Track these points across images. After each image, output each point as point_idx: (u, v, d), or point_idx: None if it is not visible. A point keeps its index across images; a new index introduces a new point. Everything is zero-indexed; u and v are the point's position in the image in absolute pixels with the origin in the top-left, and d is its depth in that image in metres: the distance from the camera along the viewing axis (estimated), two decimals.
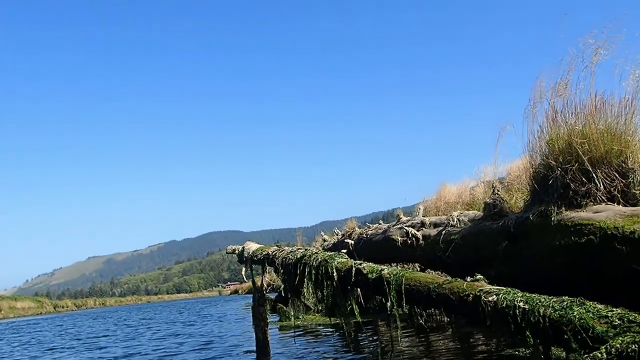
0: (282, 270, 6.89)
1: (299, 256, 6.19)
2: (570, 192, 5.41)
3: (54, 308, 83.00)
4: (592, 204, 5.24)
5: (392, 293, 4.38)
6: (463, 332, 7.18)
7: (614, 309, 2.87)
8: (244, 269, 8.42)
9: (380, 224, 10.35)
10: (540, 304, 2.97)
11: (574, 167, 5.46)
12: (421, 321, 7.74)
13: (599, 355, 2.49)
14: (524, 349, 4.29)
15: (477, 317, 3.33)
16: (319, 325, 11.01)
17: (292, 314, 12.49)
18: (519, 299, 3.11)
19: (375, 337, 8.34)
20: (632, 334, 2.51)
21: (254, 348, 7.01)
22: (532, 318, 2.93)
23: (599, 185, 5.28)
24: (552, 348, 2.94)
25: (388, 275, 4.56)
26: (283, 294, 13.36)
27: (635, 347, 2.42)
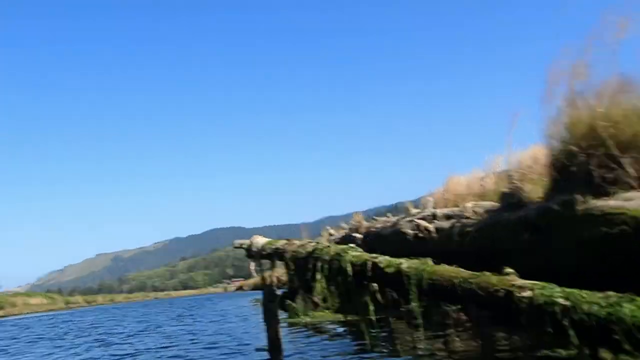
0: (292, 265, 6.61)
1: (310, 249, 5.90)
2: (596, 180, 5.11)
3: (65, 304, 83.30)
4: (621, 191, 4.93)
5: (412, 288, 4.09)
6: (484, 331, 6.89)
7: None
8: (252, 263, 8.15)
9: (388, 217, 10.08)
10: (583, 299, 2.68)
11: (599, 153, 5.16)
12: (439, 318, 7.48)
13: None
14: (562, 350, 4.00)
15: (509, 314, 3.04)
16: (329, 322, 10.77)
17: (302, 310, 12.23)
18: (558, 294, 2.83)
19: (390, 335, 8.07)
20: None
21: (265, 345, 6.76)
22: (574, 316, 2.64)
23: (628, 170, 4.97)
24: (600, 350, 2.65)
25: (408, 269, 4.27)
26: (291, 290, 13.10)
27: None
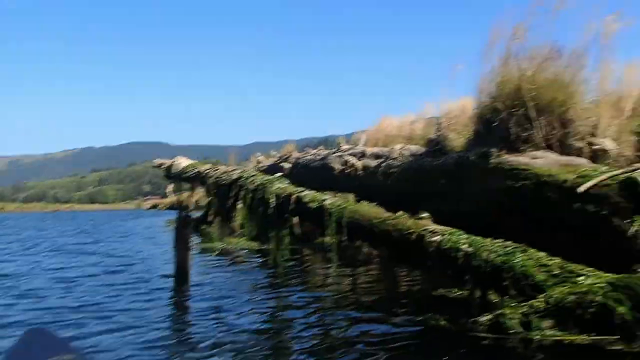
0: (214, 191, 6.71)
1: (234, 177, 6.04)
2: (513, 137, 5.58)
3: None
4: (531, 150, 5.44)
5: (332, 225, 4.40)
6: (390, 269, 7.40)
7: (554, 258, 3.03)
8: (170, 185, 8.07)
9: (318, 149, 10.29)
10: (484, 247, 3.06)
11: (519, 112, 5.61)
12: (351, 254, 7.92)
13: (537, 304, 2.63)
14: (456, 290, 4.48)
15: (418, 256, 3.40)
16: (244, 249, 10.93)
17: (217, 236, 12.36)
18: (463, 241, 3.20)
19: (302, 268, 8.42)
20: (570, 284, 2.67)
21: (172, 272, 6.70)
22: (474, 262, 3.02)
23: (540, 132, 5.47)
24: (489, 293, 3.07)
25: (330, 206, 4.56)
26: (208, 215, 13.16)
27: (572, 297, 2.58)
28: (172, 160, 8.11)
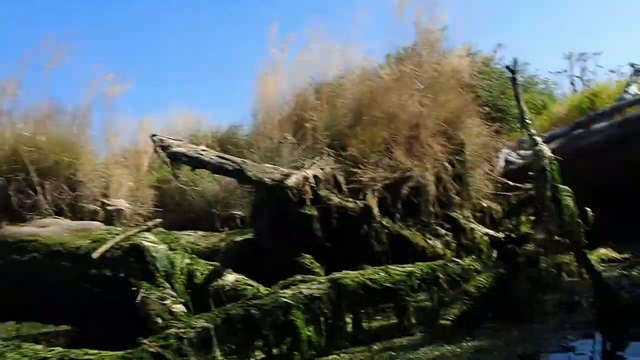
0: None
1: None
2: (15, 205, 5.06)
3: None
4: (39, 217, 5.03)
5: None
6: None
7: (55, 348, 2.75)
8: None
9: None
10: None
11: (19, 177, 5.14)
12: None
13: None
14: None
15: None
16: None
17: None
18: None
19: None
20: None
21: None
22: None
23: (47, 197, 5.15)
24: None
25: None
26: None
27: None
28: None
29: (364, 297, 4.07)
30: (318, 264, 5.13)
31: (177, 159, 4.75)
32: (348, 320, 4.08)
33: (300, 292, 3.82)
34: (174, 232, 5.70)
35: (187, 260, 4.68)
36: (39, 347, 2.77)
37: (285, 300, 3.70)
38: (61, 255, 4.62)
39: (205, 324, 3.29)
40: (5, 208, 5.01)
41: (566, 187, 4.38)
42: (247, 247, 5.55)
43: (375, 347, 3.89)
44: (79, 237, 4.84)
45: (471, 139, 6.82)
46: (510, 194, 7.42)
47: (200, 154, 4.89)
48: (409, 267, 4.34)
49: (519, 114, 5.48)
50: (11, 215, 4.97)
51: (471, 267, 4.62)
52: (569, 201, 4.32)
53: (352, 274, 4.14)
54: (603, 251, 5.83)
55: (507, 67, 6.12)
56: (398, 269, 4.29)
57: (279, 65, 7.52)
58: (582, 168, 7.04)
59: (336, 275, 4.15)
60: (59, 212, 5.30)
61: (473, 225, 6.21)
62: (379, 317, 4.58)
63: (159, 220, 5.19)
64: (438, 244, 5.74)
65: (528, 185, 7.27)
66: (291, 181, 5.11)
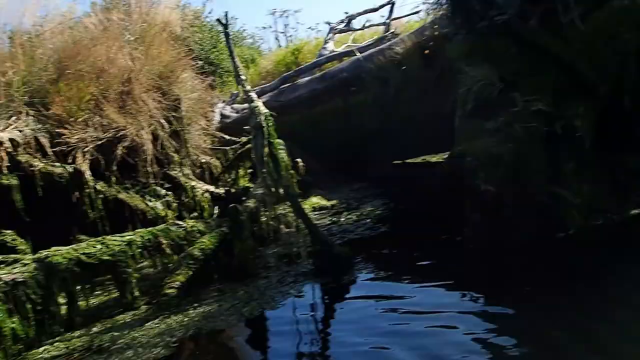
0: None
1: None
2: None
3: None
4: None
5: None
6: None
7: None
8: None
9: None
10: None
11: None
12: None
13: None
14: None
15: None
16: None
17: None
18: None
19: None
20: None
21: None
22: None
23: None
24: None
25: None
26: None
27: None
28: None
29: (79, 274, 3.70)
30: (23, 241, 4.46)
31: None
32: (62, 301, 3.68)
33: None
34: None
35: None
36: None
37: None
38: None
39: None
40: None
41: (280, 141, 4.62)
42: None
43: (95, 328, 3.60)
44: None
45: (186, 94, 6.70)
46: (227, 148, 7.59)
47: None
48: (128, 236, 4.09)
49: (234, 69, 5.52)
50: None
51: (194, 228, 4.57)
52: (284, 154, 4.57)
53: (64, 250, 3.72)
54: (315, 200, 6.42)
55: (219, 21, 6.06)
56: (117, 238, 4.00)
57: None
58: (293, 120, 7.58)
59: (44, 253, 3.69)
60: None
61: (194, 183, 6.16)
62: (98, 293, 4.25)
63: None
64: (159, 206, 5.56)
65: (244, 139, 7.54)
66: None
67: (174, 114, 6.21)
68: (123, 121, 5.57)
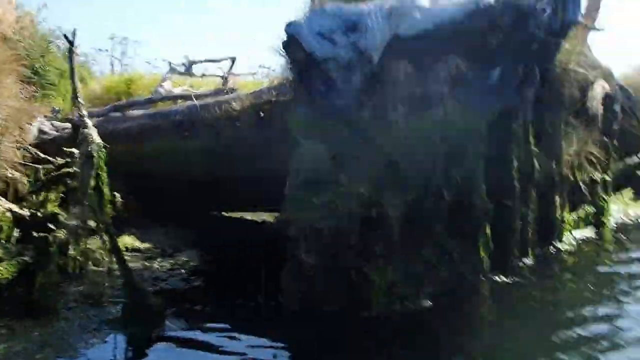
0: None
1: None
2: None
3: None
4: None
5: None
6: None
7: None
8: None
9: None
10: None
11: None
12: None
13: None
14: None
15: None
16: None
17: None
18: None
19: None
20: None
21: None
22: None
23: None
24: None
25: None
26: None
27: None
28: None
29: None
30: None
31: None
32: None
33: None
34: None
35: None
36: None
37: None
38: None
39: None
40: None
41: (105, 175, 4.34)
42: None
43: None
44: None
45: (6, 100, 6.00)
46: (40, 166, 6.90)
47: None
48: None
49: (72, 90, 5.11)
50: None
51: None
52: (107, 190, 4.30)
53: None
54: (128, 240, 6.04)
55: (65, 37, 5.57)
56: None
57: None
58: (118, 151, 7.17)
59: None
60: None
61: None
62: None
63: None
64: None
65: (60, 160, 6.92)
66: None
67: None
68: None
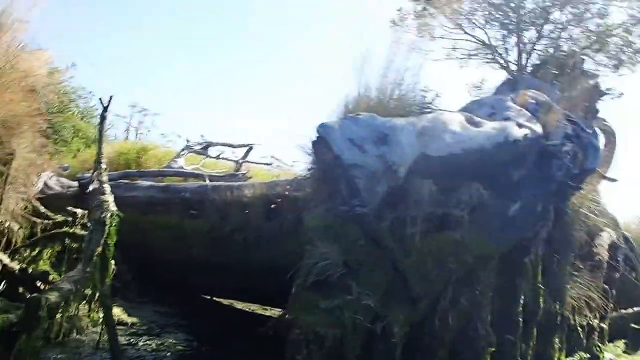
0: None
1: None
2: None
3: None
4: None
5: None
6: None
7: None
8: None
9: None
10: None
11: None
12: None
13: None
14: None
15: None
16: None
17: None
18: None
19: None
20: None
21: None
22: None
23: None
24: None
25: None
26: None
27: None
28: None
29: None
30: None
31: None
32: None
33: None
34: None
35: None
36: None
37: None
38: None
39: None
40: None
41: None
42: None
43: None
44: None
45: (22, 152, 5.98)
46: (38, 220, 6.77)
47: None
48: None
49: (97, 155, 5.10)
50: None
51: None
52: (111, 260, 4.16)
53: None
54: (116, 311, 5.76)
55: (100, 101, 5.64)
56: None
57: None
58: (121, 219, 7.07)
59: None
60: None
61: None
62: None
63: None
64: None
65: (60, 218, 6.82)
66: None
67: (1, 167, 5.44)
68: None
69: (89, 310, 4.67)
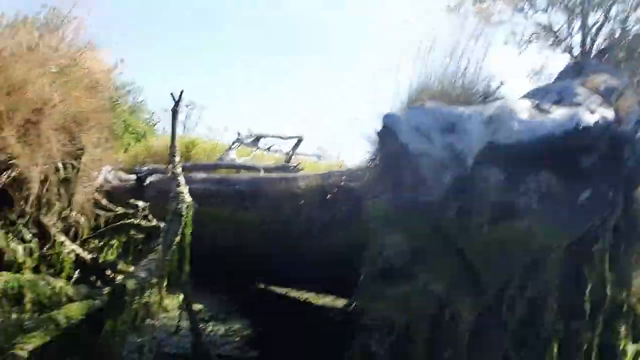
0: None
1: None
2: None
3: None
4: None
5: None
6: None
7: None
8: None
9: None
10: None
11: None
12: None
13: None
14: None
15: None
16: None
17: None
18: None
19: None
20: None
21: None
22: None
23: None
24: None
25: None
26: None
27: None
28: None
29: None
30: None
31: None
32: None
33: None
34: None
35: None
36: None
37: None
38: None
39: None
40: None
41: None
42: None
43: None
44: None
45: (90, 147, 6.20)
46: (102, 212, 7.02)
47: None
48: None
49: (170, 149, 5.24)
50: None
51: (62, 291, 3.98)
52: (188, 248, 4.29)
53: None
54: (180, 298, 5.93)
55: (172, 95, 5.69)
56: None
57: None
58: None
59: None
60: None
61: (63, 238, 5.48)
62: None
63: None
64: (20, 250, 4.81)
65: (120, 210, 7.03)
66: None
67: (72, 161, 5.65)
68: (19, 150, 4.94)
69: (160, 298, 4.81)
